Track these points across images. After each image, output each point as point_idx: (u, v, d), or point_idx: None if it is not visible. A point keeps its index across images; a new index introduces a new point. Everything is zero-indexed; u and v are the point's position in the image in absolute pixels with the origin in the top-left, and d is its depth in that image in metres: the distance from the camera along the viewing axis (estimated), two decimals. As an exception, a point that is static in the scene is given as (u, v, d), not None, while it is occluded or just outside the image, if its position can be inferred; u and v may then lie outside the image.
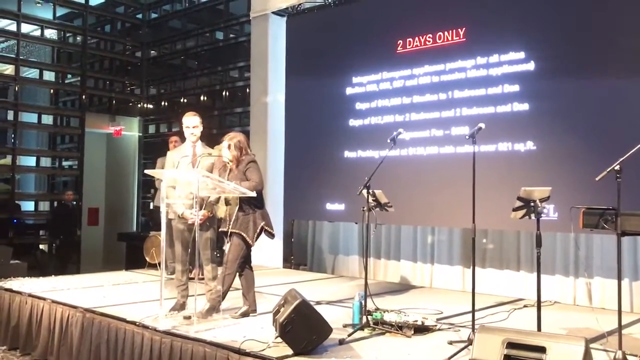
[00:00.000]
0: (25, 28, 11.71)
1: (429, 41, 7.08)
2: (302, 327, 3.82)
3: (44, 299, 5.73)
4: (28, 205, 12.28)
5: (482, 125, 4.34)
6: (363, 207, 4.84)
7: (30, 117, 12.01)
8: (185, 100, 12.28)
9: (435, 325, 4.62)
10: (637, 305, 5.74)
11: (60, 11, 12.43)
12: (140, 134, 13.30)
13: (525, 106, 6.25)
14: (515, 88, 6.33)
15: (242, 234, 4.91)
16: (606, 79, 5.71)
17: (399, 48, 7.36)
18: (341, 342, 4.11)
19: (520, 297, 6.29)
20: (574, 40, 5.95)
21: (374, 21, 7.67)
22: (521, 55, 6.29)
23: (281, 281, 7.03)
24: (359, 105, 7.73)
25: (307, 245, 8.93)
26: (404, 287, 7.16)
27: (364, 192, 4.81)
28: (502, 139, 6.34)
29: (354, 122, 7.79)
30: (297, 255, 8.92)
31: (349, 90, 7.86)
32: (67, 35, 12.79)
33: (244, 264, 5.06)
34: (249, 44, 9.55)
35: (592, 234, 5.13)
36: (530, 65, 6.23)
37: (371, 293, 4.94)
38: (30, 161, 12.34)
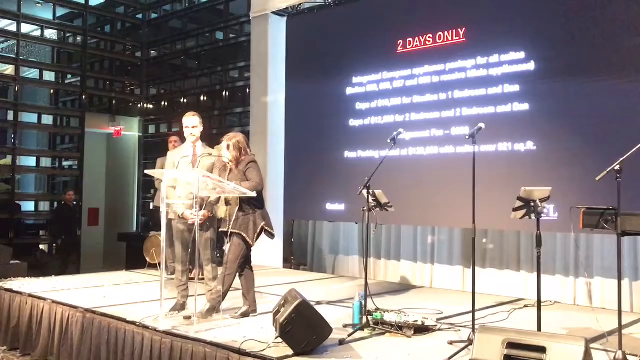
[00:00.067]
0: (26, 28, 11.71)
1: (429, 41, 7.08)
2: (302, 327, 3.82)
3: (44, 299, 5.73)
4: (28, 206, 12.29)
5: (482, 125, 4.34)
6: (363, 207, 4.84)
7: (31, 117, 12.02)
8: (185, 101, 12.28)
9: (436, 326, 4.62)
10: (637, 305, 5.74)
11: (60, 11, 12.44)
12: (140, 134, 13.31)
13: (525, 106, 6.25)
14: (516, 88, 6.34)
15: (242, 234, 4.91)
16: (606, 79, 5.71)
17: (399, 48, 7.36)
18: (341, 342, 4.11)
19: (520, 297, 6.29)
20: (574, 40, 5.95)
21: (374, 21, 7.67)
22: (521, 55, 6.29)
23: (281, 281, 7.03)
24: (359, 105, 7.73)
25: (307, 245, 8.94)
26: (404, 287, 7.16)
27: (364, 192, 4.80)
28: (502, 139, 6.34)
29: (354, 122, 7.79)
30: (297, 255, 8.92)
31: (349, 90, 7.86)
32: (67, 35, 12.80)
33: (244, 264, 5.06)
34: (249, 44, 9.55)
35: (592, 234, 5.14)
36: (531, 65, 6.23)
37: (371, 293, 4.95)
38: (31, 161, 12.35)
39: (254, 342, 3.98)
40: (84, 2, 12.31)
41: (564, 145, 5.95)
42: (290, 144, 8.64)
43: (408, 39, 7.26)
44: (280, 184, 8.71)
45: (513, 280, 6.65)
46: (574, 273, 6.23)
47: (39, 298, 5.79)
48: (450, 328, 4.67)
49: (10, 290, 6.21)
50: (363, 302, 4.62)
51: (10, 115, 11.33)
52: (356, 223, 8.00)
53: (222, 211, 5.11)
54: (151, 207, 10.57)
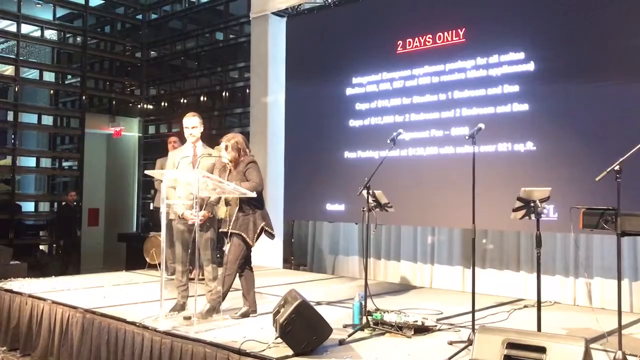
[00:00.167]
0: (25, 29, 11.72)
1: (429, 41, 7.08)
2: (302, 327, 3.82)
3: (44, 299, 5.73)
4: (28, 206, 12.29)
5: (482, 125, 4.34)
6: (363, 208, 4.84)
7: (31, 118, 12.03)
8: (185, 101, 12.28)
9: (435, 326, 4.62)
10: (637, 305, 5.74)
11: (60, 12, 12.45)
12: (140, 135, 13.31)
13: (525, 106, 6.25)
14: (515, 88, 6.33)
15: (242, 234, 4.91)
16: (606, 79, 5.71)
17: (398, 48, 7.36)
18: (341, 342, 4.11)
19: (520, 297, 6.30)
20: (573, 41, 5.95)
21: (374, 21, 7.67)
22: (521, 55, 6.29)
23: (281, 282, 7.03)
24: (359, 106, 7.73)
25: (307, 245, 8.94)
26: (404, 287, 7.16)
27: (364, 192, 4.80)
28: (502, 140, 6.34)
29: (353, 123, 7.79)
30: (297, 255, 8.92)
31: (349, 91, 7.86)
32: (67, 35, 12.81)
33: (244, 264, 5.06)
34: (249, 45, 9.55)
35: (592, 234, 5.14)
36: (530, 66, 6.23)
37: (371, 293, 4.95)
38: (31, 162, 12.36)
39: (254, 343, 3.98)
40: (83, 3, 12.32)
41: (564, 146, 5.95)
42: (290, 144, 8.64)
43: (408, 40, 7.26)
44: (280, 184, 8.71)
45: (513, 281, 6.65)
46: (574, 273, 6.23)
47: (39, 298, 5.79)
48: (450, 328, 4.67)
49: (10, 291, 6.20)
50: (363, 303, 4.62)
51: (10, 116, 11.34)
52: (356, 223, 8.00)
53: (222, 211, 5.11)
54: (151, 208, 10.57)
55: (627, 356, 3.62)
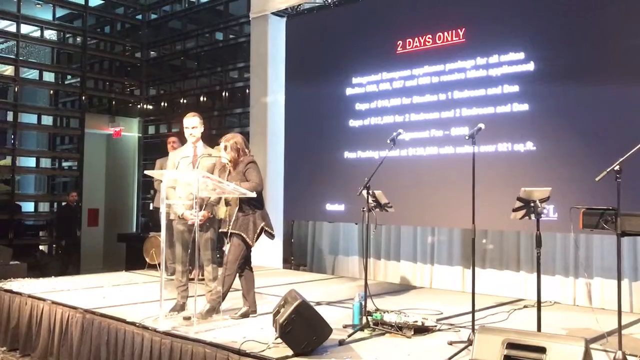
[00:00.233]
0: (25, 29, 11.72)
1: (429, 41, 7.08)
2: (302, 327, 3.82)
3: (43, 299, 5.73)
4: (28, 206, 12.29)
5: (482, 125, 4.34)
6: (363, 208, 4.83)
7: (30, 118, 12.02)
8: (185, 101, 12.28)
9: (435, 326, 4.62)
10: (637, 305, 5.74)
11: (60, 12, 12.45)
12: (140, 135, 13.31)
13: (525, 106, 6.25)
14: (515, 88, 6.33)
15: (242, 234, 4.90)
16: (606, 79, 5.71)
17: (398, 48, 7.36)
18: (341, 342, 4.10)
19: (520, 297, 6.29)
20: (573, 41, 5.95)
21: (373, 21, 7.67)
22: (521, 55, 6.29)
23: (281, 282, 7.03)
24: (359, 106, 7.73)
25: (307, 245, 8.93)
26: (404, 287, 7.16)
27: (364, 192, 4.80)
28: (502, 140, 6.34)
29: (353, 123, 7.79)
30: (297, 255, 8.92)
31: (349, 91, 7.86)
32: (67, 36, 12.81)
33: (244, 264, 5.06)
34: (249, 45, 9.55)
35: (592, 234, 5.14)
36: (530, 66, 6.23)
37: (371, 294, 4.95)
38: (30, 162, 12.35)
39: (253, 343, 3.98)
40: (83, 3, 12.32)
41: (564, 146, 5.95)
42: (290, 144, 8.64)
43: (408, 40, 7.26)
44: (280, 184, 8.71)
45: (513, 281, 6.65)
46: (574, 273, 6.23)
47: (39, 299, 5.78)
48: (450, 328, 4.67)
49: (10, 291, 6.20)
50: (363, 303, 4.62)
51: (10, 116, 11.33)
52: (356, 223, 7.99)
53: (222, 212, 5.10)
54: (151, 208, 10.56)
55: (627, 356, 3.61)
